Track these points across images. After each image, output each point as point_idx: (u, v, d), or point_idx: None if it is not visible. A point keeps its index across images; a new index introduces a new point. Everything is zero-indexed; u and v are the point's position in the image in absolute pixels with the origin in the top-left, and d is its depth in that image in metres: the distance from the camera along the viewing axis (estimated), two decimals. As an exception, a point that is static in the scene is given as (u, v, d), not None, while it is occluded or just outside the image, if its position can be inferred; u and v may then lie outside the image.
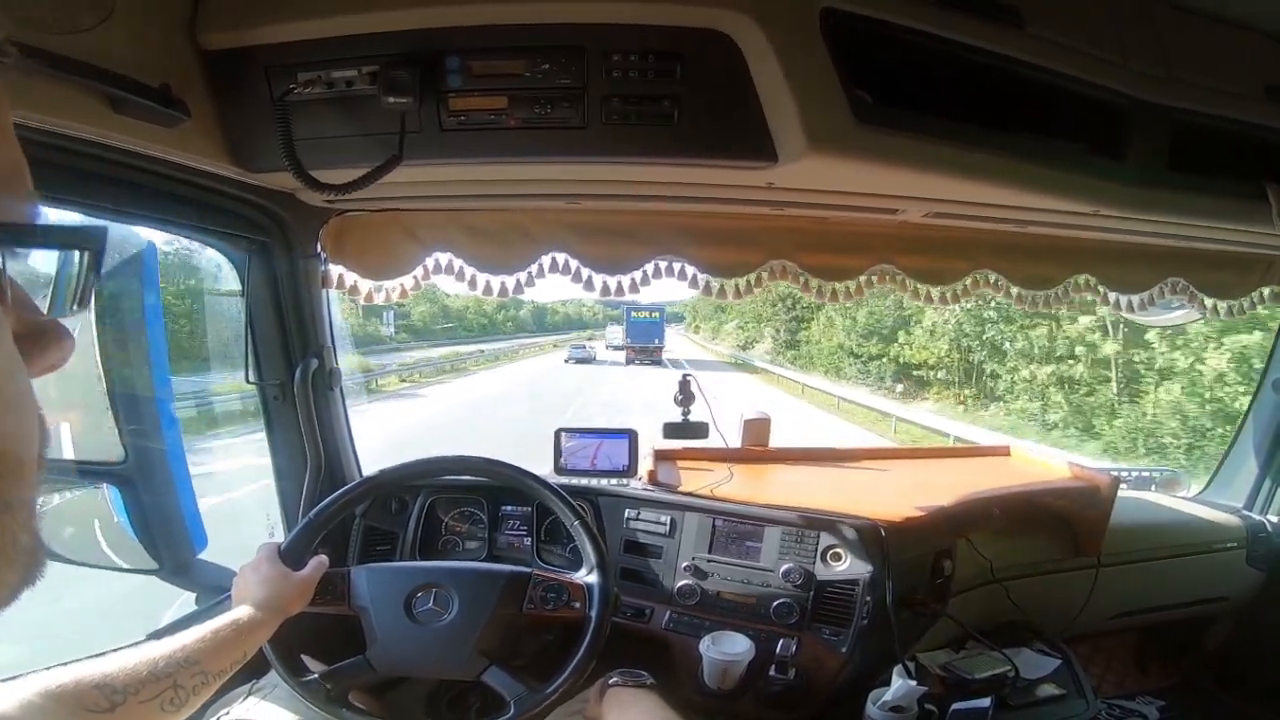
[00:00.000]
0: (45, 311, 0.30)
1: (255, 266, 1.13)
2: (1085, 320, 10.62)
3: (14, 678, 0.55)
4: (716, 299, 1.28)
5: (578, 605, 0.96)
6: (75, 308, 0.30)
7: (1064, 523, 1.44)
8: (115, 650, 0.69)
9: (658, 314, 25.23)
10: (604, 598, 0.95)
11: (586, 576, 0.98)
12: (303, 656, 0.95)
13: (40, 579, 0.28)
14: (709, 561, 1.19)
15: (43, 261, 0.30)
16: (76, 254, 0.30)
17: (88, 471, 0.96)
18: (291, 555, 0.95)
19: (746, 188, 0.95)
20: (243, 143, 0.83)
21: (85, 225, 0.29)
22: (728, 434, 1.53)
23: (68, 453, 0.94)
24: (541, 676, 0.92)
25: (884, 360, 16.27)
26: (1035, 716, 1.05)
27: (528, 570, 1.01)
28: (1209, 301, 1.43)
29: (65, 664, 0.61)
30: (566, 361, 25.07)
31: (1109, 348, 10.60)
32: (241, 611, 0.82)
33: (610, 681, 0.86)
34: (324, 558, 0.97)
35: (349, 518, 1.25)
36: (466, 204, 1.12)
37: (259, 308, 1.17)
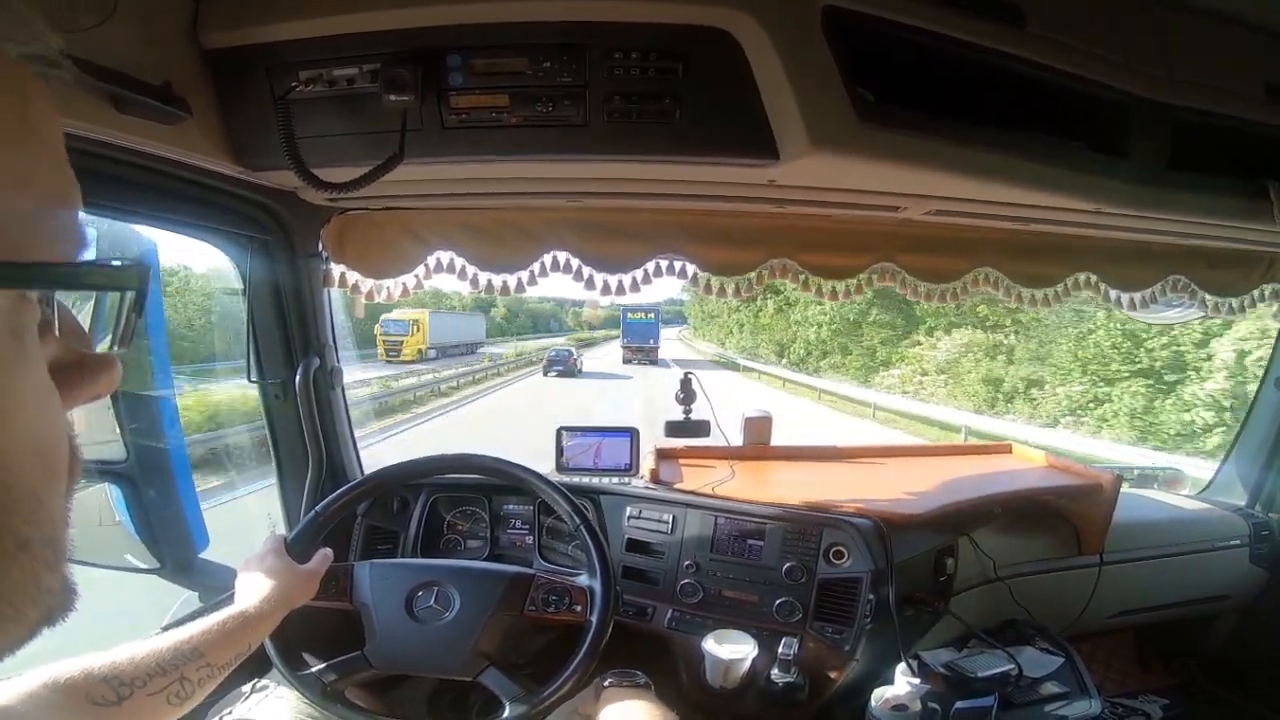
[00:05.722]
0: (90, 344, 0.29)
1: (257, 265, 1.13)
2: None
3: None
4: (717, 297, 1.28)
5: (579, 609, 0.96)
6: (117, 349, 0.29)
7: (1066, 521, 1.43)
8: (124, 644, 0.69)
9: (652, 315, 25.50)
10: (605, 603, 0.95)
11: (589, 580, 0.98)
12: (303, 654, 0.95)
13: (66, 617, 0.27)
14: (711, 560, 1.19)
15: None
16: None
17: (89, 471, 0.96)
18: (297, 548, 0.95)
19: (748, 185, 0.95)
20: (244, 141, 0.83)
21: (126, 265, 0.28)
22: (729, 432, 1.53)
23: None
24: (543, 675, 0.91)
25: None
26: (1038, 715, 1.04)
27: (531, 572, 1.01)
28: (1210, 299, 1.42)
29: (74, 658, 0.60)
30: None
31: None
32: (247, 604, 0.82)
33: (605, 683, 0.86)
34: (329, 551, 0.97)
35: (350, 517, 1.25)
36: (468, 202, 1.12)
37: (260, 306, 1.17)
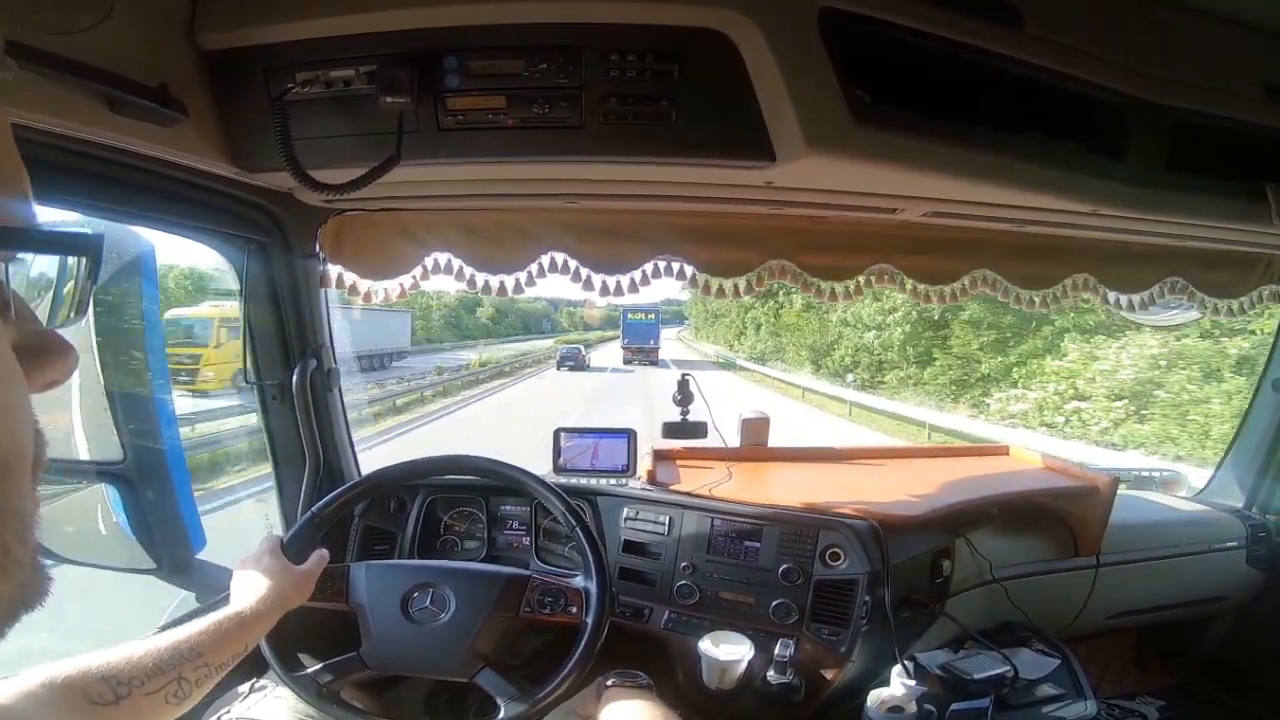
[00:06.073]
0: (44, 322, 0.29)
1: (253, 266, 1.13)
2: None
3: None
4: (715, 297, 1.28)
5: (574, 610, 0.96)
6: (73, 315, 0.30)
7: (1063, 522, 1.44)
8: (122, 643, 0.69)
9: (653, 315, 25.87)
10: (601, 604, 0.95)
11: (585, 582, 0.98)
12: (299, 655, 0.95)
13: (42, 601, 0.27)
14: (707, 561, 1.19)
15: (46, 267, 0.30)
16: (73, 261, 0.29)
17: (86, 471, 0.96)
18: (293, 548, 0.96)
19: (745, 187, 0.94)
20: (241, 142, 0.83)
21: (82, 232, 0.29)
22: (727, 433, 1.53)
23: (68, 452, 0.95)
24: (538, 676, 0.92)
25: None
26: (1034, 716, 1.04)
27: (526, 573, 1.01)
28: (1209, 301, 1.42)
29: (72, 656, 0.60)
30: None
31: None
32: (244, 604, 0.82)
33: (608, 683, 0.86)
34: (325, 552, 0.97)
35: (348, 517, 1.25)
36: (465, 204, 1.12)
37: (257, 308, 1.17)
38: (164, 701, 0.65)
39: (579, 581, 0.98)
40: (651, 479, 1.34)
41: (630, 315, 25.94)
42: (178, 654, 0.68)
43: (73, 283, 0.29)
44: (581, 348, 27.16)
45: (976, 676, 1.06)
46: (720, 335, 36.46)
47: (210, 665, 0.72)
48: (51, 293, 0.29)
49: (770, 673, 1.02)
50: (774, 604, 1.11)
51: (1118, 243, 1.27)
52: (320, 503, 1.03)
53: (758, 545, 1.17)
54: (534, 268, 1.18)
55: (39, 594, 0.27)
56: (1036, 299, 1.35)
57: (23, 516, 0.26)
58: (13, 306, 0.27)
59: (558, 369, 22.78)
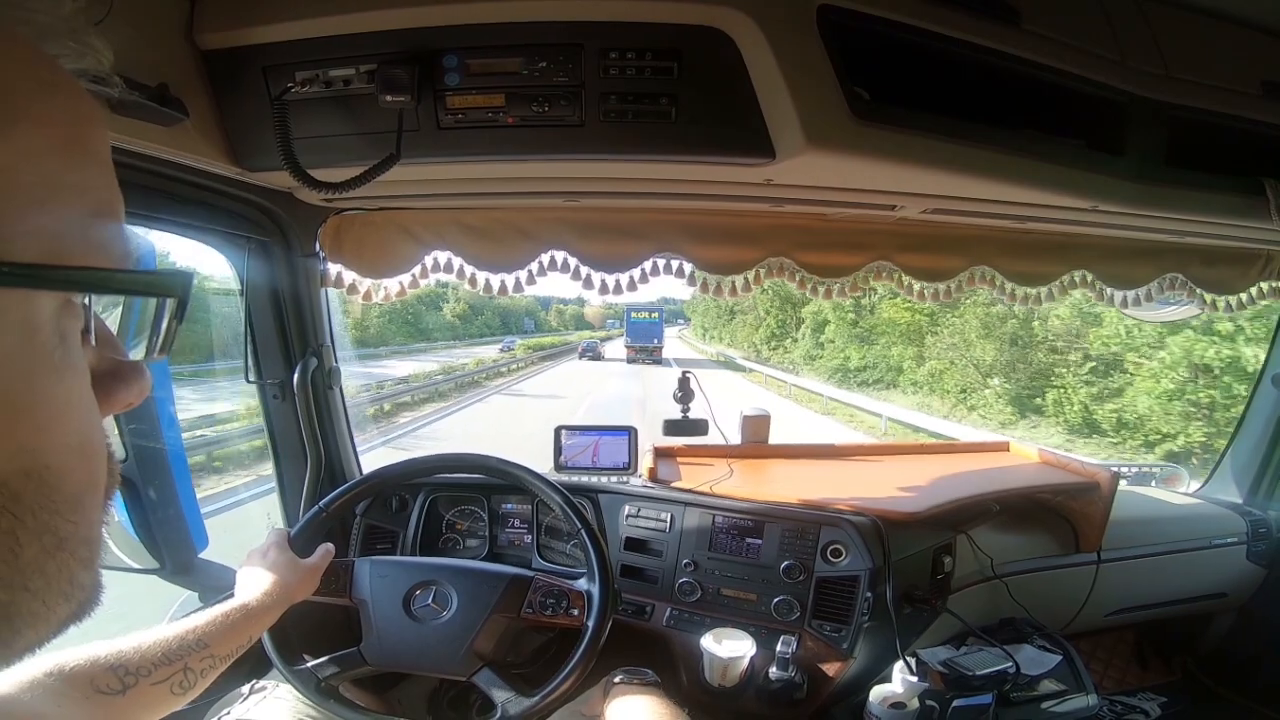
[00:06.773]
0: (126, 350, 0.29)
1: (254, 265, 1.13)
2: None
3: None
4: (714, 295, 1.28)
5: (576, 613, 0.95)
6: (156, 356, 0.29)
7: (1064, 518, 1.44)
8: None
9: (656, 314, 26.10)
10: (603, 609, 0.94)
11: (588, 585, 0.97)
12: (299, 650, 0.96)
13: (91, 614, 0.28)
14: (709, 558, 1.19)
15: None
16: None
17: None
18: (300, 542, 0.96)
19: (745, 184, 0.95)
20: (241, 142, 0.83)
21: (170, 272, 0.28)
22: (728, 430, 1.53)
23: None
24: (538, 676, 0.92)
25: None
26: (1037, 713, 1.05)
27: (530, 574, 1.00)
28: (1207, 297, 1.43)
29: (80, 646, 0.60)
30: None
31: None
32: (250, 596, 0.83)
33: (615, 680, 0.86)
34: (331, 546, 0.98)
35: (350, 516, 1.25)
36: (465, 202, 1.12)
37: (258, 307, 1.17)
38: (169, 692, 0.65)
39: (582, 584, 0.98)
40: (653, 476, 1.34)
41: (634, 314, 26.18)
42: (185, 645, 0.68)
43: (155, 321, 0.29)
44: (599, 341, 32.73)
45: (979, 673, 1.06)
46: (742, 337, 28.67)
47: (216, 656, 0.72)
48: (120, 316, 0.29)
49: (772, 669, 1.02)
50: (776, 601, 1.11)
51: (1117, 239, 1.28)
52: (327, 498, 1.03)
53: (759, 542, 1.17)
54: (534, 266, 1.19)
55: (91, 607, 0.28)
56: (1034, 296, 1.36)
57: (91, 545, 0.27)
58: (94, 332, 0.26)
59: (579, 359, 27.26)
